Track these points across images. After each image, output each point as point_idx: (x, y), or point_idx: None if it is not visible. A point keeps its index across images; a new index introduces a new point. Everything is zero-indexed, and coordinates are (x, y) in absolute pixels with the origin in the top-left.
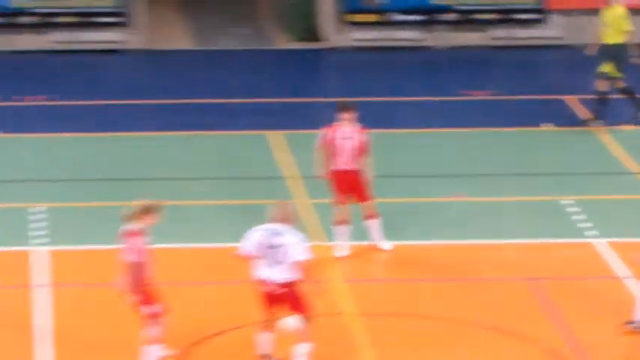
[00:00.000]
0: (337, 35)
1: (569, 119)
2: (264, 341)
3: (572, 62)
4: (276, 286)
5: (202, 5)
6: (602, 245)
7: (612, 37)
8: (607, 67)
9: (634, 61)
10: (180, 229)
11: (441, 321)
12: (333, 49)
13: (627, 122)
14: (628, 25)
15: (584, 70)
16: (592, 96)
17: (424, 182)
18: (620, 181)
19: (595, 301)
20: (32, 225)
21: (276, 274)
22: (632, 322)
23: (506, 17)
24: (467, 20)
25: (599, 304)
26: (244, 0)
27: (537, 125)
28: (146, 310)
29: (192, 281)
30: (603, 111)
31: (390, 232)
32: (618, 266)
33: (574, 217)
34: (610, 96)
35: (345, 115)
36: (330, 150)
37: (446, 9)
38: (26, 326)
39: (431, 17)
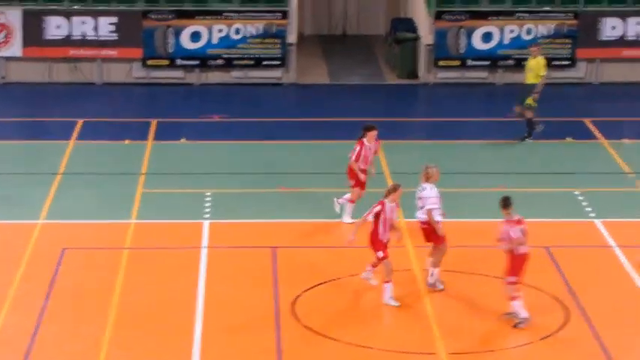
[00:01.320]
0: (428, 74)
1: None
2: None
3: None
4: (420, 224)
5: (336, 52)
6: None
7: (532, 79)
8: (529, 100)
9: (533, 97)
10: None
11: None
12: (426, 84)
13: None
14: (544, 72)
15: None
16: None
17: (477, 177)
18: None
19: (592, 263)
20: (205, 205)
21: (421, 215)
22: (509, 314)
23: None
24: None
25: (595, 266)
26: (366, 49)
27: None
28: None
29: None
30: (532, 129)
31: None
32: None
33: (582, 204)
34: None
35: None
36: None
37: (505, 57)
38: (194, 269)
39: (494, 62)
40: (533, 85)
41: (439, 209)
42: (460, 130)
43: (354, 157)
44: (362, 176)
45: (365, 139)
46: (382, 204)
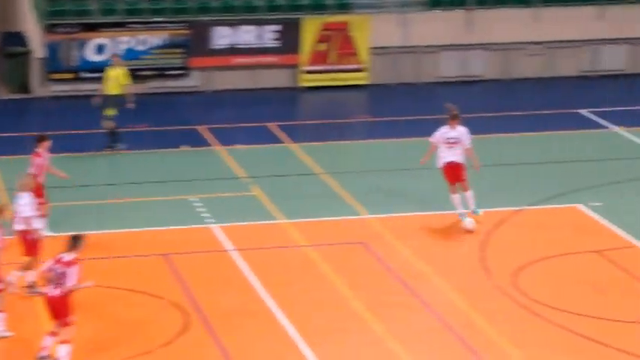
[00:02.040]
0: (42, 88)
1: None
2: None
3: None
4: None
5: None
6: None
7: (114, 89)
8: (110, 111)
9: (130, 106)
10: None
11: None
12: (39, 98)
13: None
14: (126, 81)
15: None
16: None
17: (97, 188)
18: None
19: (211, 268)
20: None
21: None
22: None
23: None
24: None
25: (213, 270)
26: None
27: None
28: None
29: None
30: (116, 141)
31: None
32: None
33: (198, 210)
34: (118, 129)
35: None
36: None
37: None
38: None
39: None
40: (115, 96)
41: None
42: (81, 143)
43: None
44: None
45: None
46: None
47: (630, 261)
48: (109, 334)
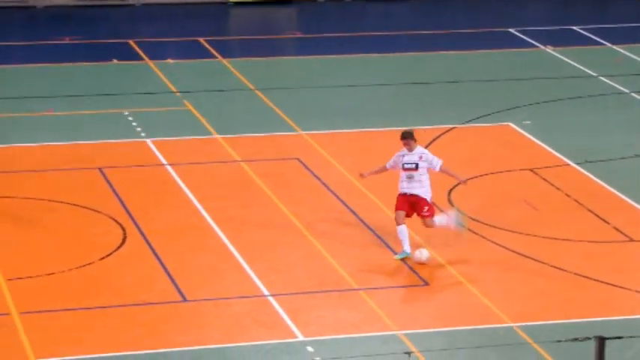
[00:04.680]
0: None
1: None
2: None
3: None
4: None
5: None
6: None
7: None
8: None
9: None
10: None
11: None
12: None
13: None
14: None
15: None
16: None
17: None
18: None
19: (146, 181)
20: None
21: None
22: None
23: None
24: None
25: (149, 184)
26: None
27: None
28: None
29: None
30: None
31: None
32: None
33: (133, 125)
34: None
35: None
36: None
37: None
38: None
39: None
40: None
41: None
42: None
43: None
44: None
45: None
46: None
47: (563, 179)
48: (47, 244)
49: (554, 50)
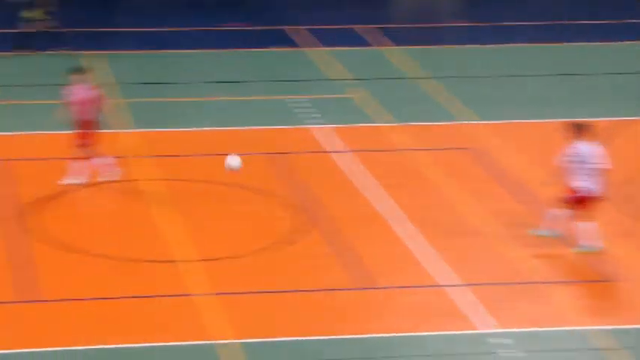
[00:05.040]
0: None
1: None
2: None
3: None
4: None
5: None
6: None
7: None
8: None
9: None
10: None
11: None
12: None
13: None
14: None
15: None
16: None
17: None
18: None
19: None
20: None
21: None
22: None
23: None
24: None
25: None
26: None
27: None
28: None
29: None
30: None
31: None
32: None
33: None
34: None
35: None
36: None
37: None
38: None
39: None
40: None
41: None
42: None
43: None
44: None
45: None
46: None
47: None
48: (231, 229)
49: None
